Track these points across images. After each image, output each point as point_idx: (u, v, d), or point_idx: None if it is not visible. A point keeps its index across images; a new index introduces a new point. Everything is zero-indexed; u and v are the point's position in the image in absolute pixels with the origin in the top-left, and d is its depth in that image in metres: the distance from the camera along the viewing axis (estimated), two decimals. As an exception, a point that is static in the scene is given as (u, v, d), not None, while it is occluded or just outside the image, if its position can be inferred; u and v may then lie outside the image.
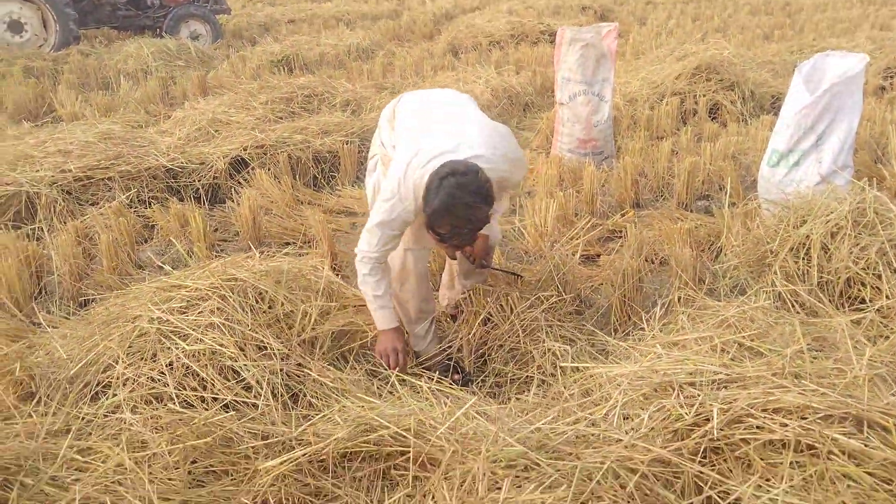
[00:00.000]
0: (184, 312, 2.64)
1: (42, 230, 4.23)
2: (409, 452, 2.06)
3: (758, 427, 1.91)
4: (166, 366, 2.47)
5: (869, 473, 1.76)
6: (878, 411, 1.89)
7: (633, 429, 2.04)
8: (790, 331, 2.38)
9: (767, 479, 1.83)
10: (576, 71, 5.05)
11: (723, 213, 3.78)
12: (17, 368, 2.50)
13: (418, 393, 2.45)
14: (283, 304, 2.77)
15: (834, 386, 2.00)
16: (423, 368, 2.92)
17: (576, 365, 2.60)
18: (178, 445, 2.16)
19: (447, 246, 2.69)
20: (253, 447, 2.21)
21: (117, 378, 2.47)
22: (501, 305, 3.02)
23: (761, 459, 1.86)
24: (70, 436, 2.23)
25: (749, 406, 1.94)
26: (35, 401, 2.47)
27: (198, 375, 2.46)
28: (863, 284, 2.88)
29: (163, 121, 6.25)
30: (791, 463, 1.83)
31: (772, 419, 1.90)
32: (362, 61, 9.25)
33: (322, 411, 2.35)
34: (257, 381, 2.48)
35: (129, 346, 2.55)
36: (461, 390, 2.58)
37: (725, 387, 2.09)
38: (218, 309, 2.63)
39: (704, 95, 6.51)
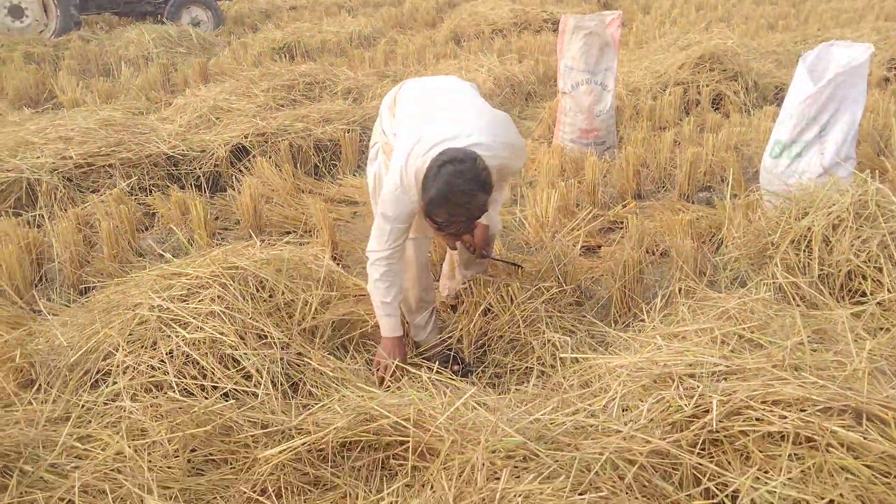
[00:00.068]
0: (184, 300, 2.64)
1: (43, 217, 4.23)
2: (409, 442, 2.06)
3: (757, 419, 1.91)
4: (166, 354, 2.47)
5: (867, 466, 1.77)
6: (877, 404, 1.89)
7: (632, 420, 2.04)
8: (790, 323, 2.38)
9: (766, 472, 1.83)
10: (579, 60, 5.03)
11: (724, 205, 3.77)
12: (17, 356, 2.50)
13: (418, 383, 2.45)
14: (283, 293, 2.77)
15: (833, 378, 2.00)
16: (422, 359, 2.92)
17: (575, 356, 2.60)
18: (178, 434, 2.17)
19: (445, 234, 2.67)
20: (252, 436, 2.22)
21: (117, 366, 2.47)
22: (502, 296, 3.02)
23: (760, 451, 1.87)
24: (70, 423, 2.23)
25: (748, 398, 1.94)
26: (35, 388, 2.48)
27: (198, 364, 2.47)
28: (864, 277, 2.88)
29: (164, 108, 6.24)
30: (790, 455, 1.83)
31: (771, 411, 1.90)
32: (364, 49, 9.21)
33: (322, 401, 2.36)
34: (257, 370, 2.48)
35: (130, 334, 2.56)
36: (461, 381, 2.58)
37: (725, 378, 2.09)
38: (218, 297, 2.64)
39: (707, 85, 6.48)
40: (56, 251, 3.73)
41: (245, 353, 2.50)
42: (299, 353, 2.64)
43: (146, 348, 2.51)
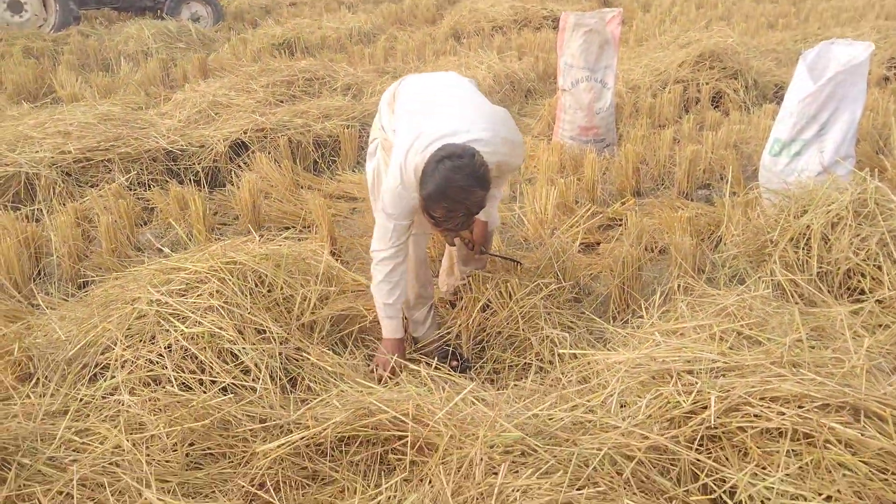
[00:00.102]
0: (183, 295, 2.64)
1: (41, 211, 4.23)
2: (407, 437, 2.06)
3: (755, 415, 1.91)
4: (165, 348, 2.47)
5: (865, 462, 1.77)
6: (874, 401, 1.89)
7: (630, 416, 2.04)
8: (789, 320, 2.38)
9: (764, 468, 1.84)
10: (578, 57, 5.03)
11: (723, 203, 3.77)
12: (15, 349, 2.50)
13: (417, 378, 2.45)
14: (282, 288, 2.77)
15: (832, 375, 2.01)
16: (421, 354, 2.92)
17: (574, 352, 2.60)
18: (176, 428, 2.17)
19: (442, 230, 2.66)
20: (251, 430, 2.22)
21: (115, 360, 2.47)
22: (500, 292, 3.02)
23: (758, 447, 1.87)
24: (68, 417, 2.24)
25: (746, 394, 1.95)
26: (33, 382, 2.47)
27: (196, 358, 2.47)
28: (863, 275, 2.88)
29: (163, 103, 6.23)
30: (787, 451, 1.83)
31: (769, 407, 1.90)
32: (364, 45, 9.20)
33: (320, 395, 2.36)
34: (256, 365, 2.48)
35: (128, 328, 2.55)
36: (459, 376, 2.58)
37: (723, 375, 2.09)
38: (217, 292, 2.63)
39: (707, 83, 6.48)
40: (55, 245, 3.73)
41: (243, 348, 2.50)
42: (298, 348, 2.64)
43: (144, 342, 2.51)
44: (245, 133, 5.15)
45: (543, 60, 7.89)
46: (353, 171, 5.16)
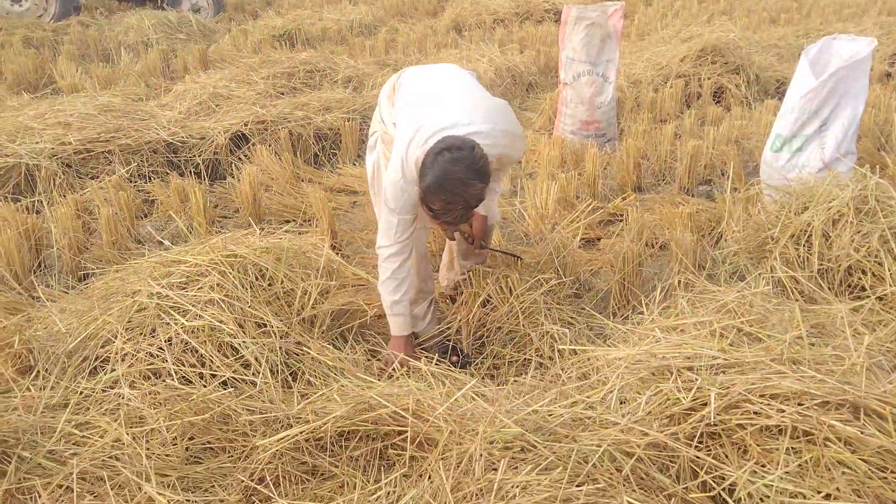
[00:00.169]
0: (183, 288, 2.64)
1: (41, 203, 4.22)
2: (407, 432, 2.06)
3: (755, 412, 1.91)
4: (165, 341, 2.47)
5: (864, 460, 1.77)
6: (874, 399, 1.89)
7: (629, 412, 2.04)
8: (789, 317, 2.38)
9: (763, 465, 1.84)
10: (580, 51, 5.02)
11: (724, 199, 3.77)
12: (15, 342, 2.50)
13: (417, 373, 2.45)
14: (282, 282, 2.76)
15: (832, 373, 2.00)
16: (421, 349, 2.92)
17: (574, 348, 2.60)
18: (176, 421, 2.17)
19: (441, 223, 2.64)
20: (251, 424, 2.22)
21: (116, 353, 2.47)
22: (501, 287, 3.02)
23: (757, 445, 1.87)
24: (68, 410, 2.24)
25: (746, 391, 1.95)
26: (33, 374, 2.48)
27: (196, 352, 2.47)
28: (863, 272, 2.88)
29: (163, 94, 6.21)
30: (787, 449, 1.83)
31: (769, 405, 1.90)
32: (365, 37, 9.17)
33: (320, 390, 2.36)
34: (256, 359, 2.48)
35: (128, 321, 2.55)
36: (459, 372, 2.59)
37: (723, 372, 2.09)
38: (217, 285, 2.63)
39: (709, 78, 6.47)
40: (55, 237, 3.73)
41: (244, 342, 2.50)
42: (298, 343, 2.64)
43: (145, 335, 2.51)
44: (246, 125, 5.14)
45: (545, 54, 7.86)
46: (354, 164, 5.15)
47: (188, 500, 1.98)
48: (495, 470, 1.85)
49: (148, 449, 2.10)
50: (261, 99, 5.64)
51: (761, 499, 1.77)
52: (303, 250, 3.02)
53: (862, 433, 1.80)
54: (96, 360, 2.51)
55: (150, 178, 4.66)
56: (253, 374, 2.45)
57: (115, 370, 2.42)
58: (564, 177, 4.28)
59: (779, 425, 1.87)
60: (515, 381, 2.55)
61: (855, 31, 8.08)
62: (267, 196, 4.44)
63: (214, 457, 2.19)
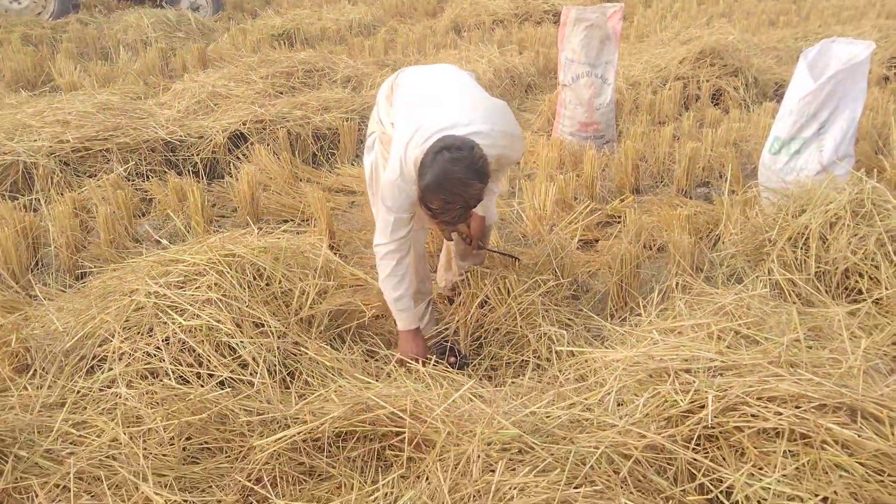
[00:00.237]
0: (181, 287, 2.63)
1: (39, 201, 4.21)
2: (405, 433, 2.06)
3: (752, 415, 1.92)
4: (162, 341, 2.47)
5: (861, 464, 1.78)
6: (871, 402, 1.90)
7: (627, 414, 2.04)
8: (786, 320, 2.39)
9: (760, 468, 1.84)
10: (579, 52, 5.02)
11: (722, 201, 3.78)
12: (13, 340, 2.49)
13: (414, 374, 2.45)
14: (280, 282, 2.76)
15: (829, 376, 2.01)
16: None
17: (572, 349, 2.61)
18: (173, 421, 2.17)
19: (439, 222, 2.64)
20: (248, 424, 2.21)
21: (113, 352, 2.46)
22: (499, 288, 3.02)
23: (755, 447, 1.87)
24: (65, 409, 2.23)
25: (744, 394, 1.95)
26: (30, 373, 2.47)
27: (194, 351, 2.46)
28: (860, 275, 2.89)
29: (162, 93, 6.21)
30: (784, 452, 1.84)
31: (766, 407, 1.91)
32: (364, 37, 9.17)
33: (318, 390, 2.36)
34: (254, 359, 2.48)
35: (126, 321, 2.55)
36: (457, 373, 2.59)
37: (721, 374, 2.09)
38: (215, 284, 2.63)
39: (708, 81, 6.47)
40: (52, 235, 3.72)
41: (241, 342, 2.50)
42: (296, 343, 2.64)
43: (142, 335, 2.50)
44: (244, 124, 5.14)
45: (544, 55, 7.87)
46: (352, 164, 5.15)
47: (185, 501, 1.98)
48: (493, 471, 1.85)
49: (145, 449, 2.10)
50: (259, 98, 5.64)
51: (759, 501, 1.78)
52: (301, 250, 3.02)
53: (859, 436, 1.81)
54: (93, 359, 2.51)
55: (148, 177, 4.66)
56: (250, 374, 2.45)
57: (112, 369, 2.41)
58: (563, 178, 4.28)
59: (776, 428, 1.87)
60: (513, 382, 2.56)
61: (853, 34, 8.09)
62: (265, 195, 4.44)
63: (212, 457, 2.18)
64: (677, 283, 3.06)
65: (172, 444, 2.15)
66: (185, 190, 4.18)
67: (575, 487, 1.81)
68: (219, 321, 2.51)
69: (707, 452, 1.94)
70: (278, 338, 2.59)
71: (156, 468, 2.04)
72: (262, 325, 2.60)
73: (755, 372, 2.04)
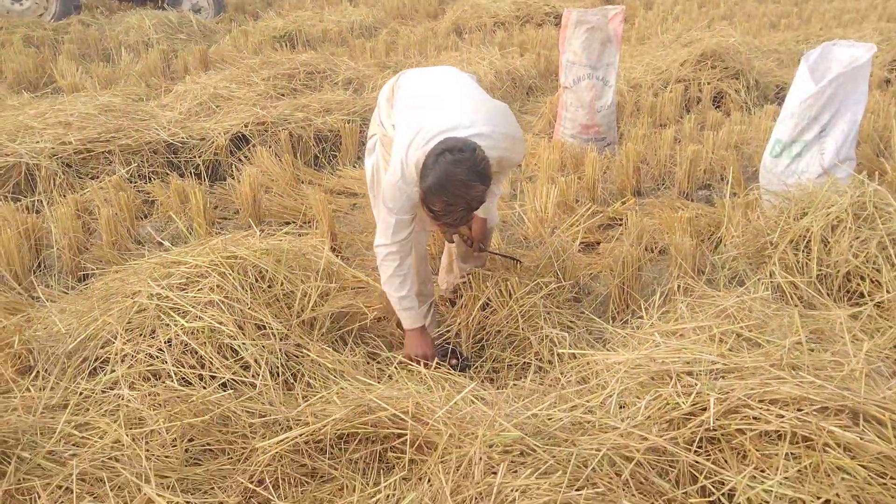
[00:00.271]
0: (183, 289, 2.64)
1: (41, 203, 4.22)
2: (407, 435, 2.07)
3: (754, 418, 1.92)
4: (165, 343, 2.47)
5: (863, 466, 1.78)
6: (874, 405, 1.90)
7: (629, 417, 2.05)
8: (788, 322, 2.39)
9: (762, 470, 1.84)
10: (580, 54, 5.02)
11: (724, 203, 3.78)
12: (15, 342, 2.50)
13: (416, 376, 2.45)
14: (282, 284, 2.77)
15: (831, 378, 2.01)
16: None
17: (573, 352, 2.61)
18: (176, 423, 2.17)
19: (441, 224, 2.65)
20: (250, 426, 2.22)
21: (116, 354, 2.47)
22: (500, 291, 3.02)
23: (757, 450, 1.87)
24: (68, 411, 2.24)
25: (746, 396, 1.95)
26: (33, 375, 2.47)
27: (196, 353, 2.47)
28: (862, 278, 2.89)
29: (163, 94, 6.22)
30: (786, 454, 1.84)
31: (768, 410, 1.91)
32: (365, 39, 9.18)
33: (320, 392, 2.36)
34: (256, 361, 2.48)
35: (128, 322, 2.55)
36: (459, 375, 2.59)
37: (723, 376, 2.09)
38: (217, 286, 2.63)
39: (709, 83, 6.48)
40: (55, 237, 3.73)
41: (243, 344, 2.50)
42: (298, 345, 2.64)
43: (145, 336, 2.51)
44: (246, 126, 5.15)
45: (545, 57, 7.87)
46: (354, 166, 5.16)
47: (187, 502, 1.98)
48: (495, 473, 1.85)
49: (147, 450, 2.10)
50: (261, 100, 5.64)
51: (760, 504, 1.78)
52: (303, 252, 3.03)
53: (861, 439, 1.81)
54: (96, 360, 2.51)
55: (150, 179, 4.66)
56: (252, 375, 2.45)
57: (114, 371, 2.41)
58: (564, 180, 4.29)
59: (778, 430, 1.88)
60: (515, 384, 2.56)
61: (854, 37, 8.10)
62: (267, 197, 4.44)
63: (214, 458, 2.19)
64: (679, 286, 3.06)
65: (175, 446, 2.15)
66: (187, 192, 4.19)
67: (577, 490, 1.81)
68: (221, 323, 2.52)
69: (709, 455, 1.94)
70: (280, 340, 2.59)
71: (158, 470, 2.04)
72: (264, 327, 2.60)
73: (757, 374, 2.05)
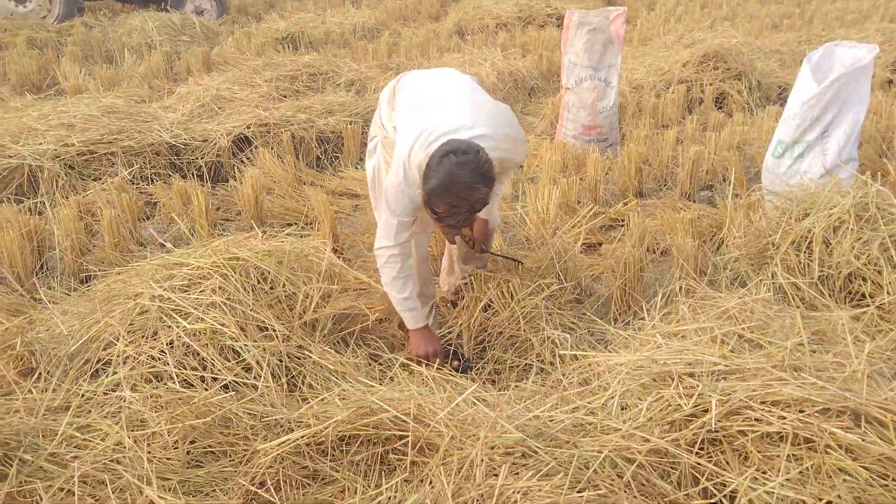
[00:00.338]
0: (185, 291, 2.64)
1: (44, 204, 4.23)
2: (408, 437, 2.07)
3: (756, 419, 1.92)
4: (167, 344, 2.47)
5: (865, 468, 1.77)
6: (875, 406, 1.89)
7: (630, 418, 2.04)
8: (790, 324, 2.38)
9: (764, 472, 1.84)
10: (582, 55, 5.02)
11: (726, 204, 3.77)
12: (17, 343, 2.50)
13: (418, 378, 2.45)
14: (284, 286, 2.77)
15: (833, 380, 2.01)
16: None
17: (575, 353, 2.61)
18: (178, 425, 2.17)
19: (444, 225, 2.65)
20: (252, 428, 2.22)
21: (118, 356, 2.47)
22: (502, 292, 3.02)
23: (758, 452, 1.87)
24: (70, 413, 2.24)
25: (747, 398, 1.95)
26: (35, 377, 2.48)
27: (198, 355, 2.47)
28: (864, 280, 2.88)
29: (166, 96, 6.22)
30: (788, 456, 1.83)
31: (770, 412, 1.91)
32: (367, 40, 9.18)
33: (322, 394, 2.36)
34: (257, 362, 2.48)
35: (130, 324, 2.56)
36: (460, 377, 2.59)
37: (724, 378, 2.09)
38: (219, 288, 2.63)
39: (711, 84, 6.47)
40: (57, 239, 3.73)
41: (245, 345, 2.50)
42: (300, 346, 2.64)
43: (147, 338, 2.51)
44: (248, 128, 5.15)
45: (547, 58, 7.87)
46: (356, 167, 5.16)
47: (189, 504, 1.98)
48: (496, 475, 1.85)
49: (149, 452, 2.11)
50: (263, 101, 5.65)
51: (762, 506, 1.78)
52: (304, 254, 3.03)
53: (863, 441, 1.80)
54: (98, 362, 2.52)
55: (152, 180, 4.67)
56: (254, 377, 2.45)
57: (116, 373, 2.42)
58: (566, 181, 4.29)
59: (780, 432, 1.87)
60: (516, 386, 2.56)
61: (857, 38, 8.08)
62: (269, 199, 4.44)
63: (215, 461, 2.19)
64: (681, 287, 3.06)
65: (176, 448, 2.15)
66: (190, 193, 4.20)
67: (578, 492, 1.81)
68: (223, 325, 2.52)
69: (710, 456, 1.94)
70: (282, 341, 2.59)
71: (160, 472, 2.04)
72: (266, 329, 2.60)
73: (759, 376, 2.04)
